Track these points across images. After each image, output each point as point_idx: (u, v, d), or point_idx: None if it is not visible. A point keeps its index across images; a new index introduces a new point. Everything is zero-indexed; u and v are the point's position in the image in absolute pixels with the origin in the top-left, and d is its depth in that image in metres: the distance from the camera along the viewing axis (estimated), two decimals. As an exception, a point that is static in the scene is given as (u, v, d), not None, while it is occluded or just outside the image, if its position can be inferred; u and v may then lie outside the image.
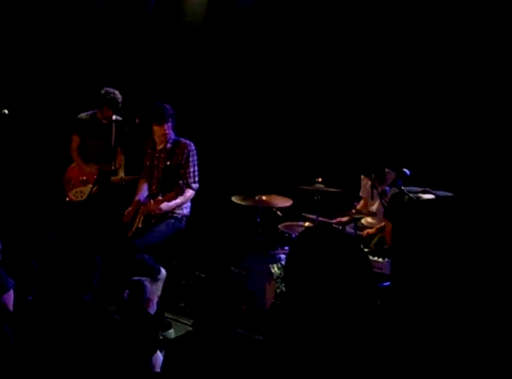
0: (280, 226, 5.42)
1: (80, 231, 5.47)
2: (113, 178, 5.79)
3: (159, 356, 3.35)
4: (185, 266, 6.29)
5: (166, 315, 4.91)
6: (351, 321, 1.99)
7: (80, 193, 5.79)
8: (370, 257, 4.75)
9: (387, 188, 4.95)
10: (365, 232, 5.25)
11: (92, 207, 5.73)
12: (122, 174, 5.89)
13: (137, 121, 5.69)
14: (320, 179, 5.33)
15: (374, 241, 5.16)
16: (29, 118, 6.62)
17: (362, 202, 5.61)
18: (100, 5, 6.98)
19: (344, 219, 5.34)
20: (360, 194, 5.66)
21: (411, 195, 3.41)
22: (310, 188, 5.28)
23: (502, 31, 5.17)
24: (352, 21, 6.04)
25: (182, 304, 5.43)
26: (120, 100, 5.75)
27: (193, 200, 5.45)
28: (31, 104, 6.71)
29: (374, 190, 4.93)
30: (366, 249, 4.92)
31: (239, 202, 5.48)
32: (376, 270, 4.55)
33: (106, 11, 7.03)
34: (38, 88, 6.83)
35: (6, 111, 5.28)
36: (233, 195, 5.53)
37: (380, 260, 4.72)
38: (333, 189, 5.29)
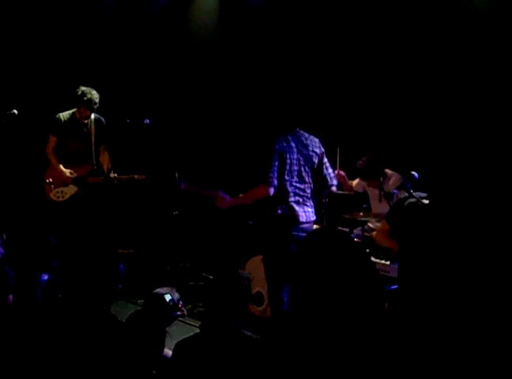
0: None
1: (62, 232, 5.36)
2: (104, 177, 5.64)
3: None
4: (192, 268, 6.30)
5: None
6: (356, 323, 1.99)
7: (61, 193, 5.68)
8: (378, 260, 4.73)
9: (395, 191, 4.93)
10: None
11: (76, 207, 5.67)
12: (111, 172, 5.67)
13: (147, 121, 5.67)
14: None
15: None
16: (32, 118, 6.60)
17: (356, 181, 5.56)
18: (109, 13, 7.00)
19: None
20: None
21: (414, 200, 3.39)
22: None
23: (503, 32, 5.17)
24: (357, 21, 6.04)
25: (190, 305, 5.44)
26: (97, 100, 5.59)
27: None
28: (34, 104, 6.70)
29: (382, 193, 4.91)
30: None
31: None
32: (383, 273, 4.53)
33: (114, 15, 7.06)
34: (41, 90, 6.84)
35: (16, 111, 5.28)
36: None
37: (387, 263, 4.70)
38: (341, 192, 5.27)
